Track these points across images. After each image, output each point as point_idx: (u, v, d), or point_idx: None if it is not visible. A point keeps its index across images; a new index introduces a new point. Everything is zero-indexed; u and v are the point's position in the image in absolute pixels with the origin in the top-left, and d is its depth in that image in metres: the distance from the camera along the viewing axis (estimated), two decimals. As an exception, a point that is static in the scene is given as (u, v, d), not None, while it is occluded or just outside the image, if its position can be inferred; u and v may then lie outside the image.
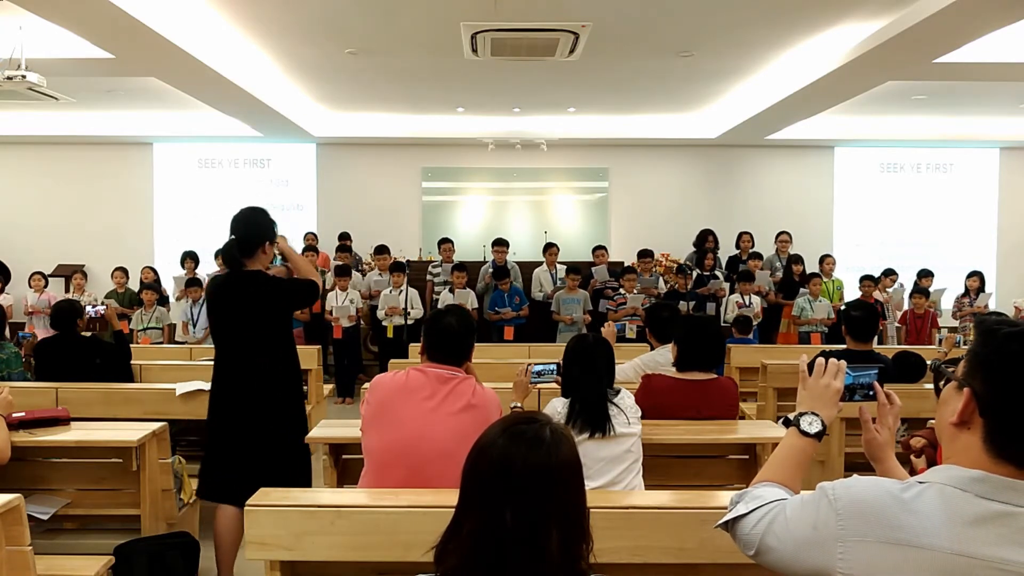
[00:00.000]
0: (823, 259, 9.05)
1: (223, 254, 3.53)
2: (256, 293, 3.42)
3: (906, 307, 8.90)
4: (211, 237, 10.33)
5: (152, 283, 8.44)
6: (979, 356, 1.24)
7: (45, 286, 8.97)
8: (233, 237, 3.47)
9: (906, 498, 1.21)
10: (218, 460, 3.42)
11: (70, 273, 9.78)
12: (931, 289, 8.59)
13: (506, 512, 1.31)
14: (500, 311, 8.14)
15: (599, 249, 9.08)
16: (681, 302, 7.98)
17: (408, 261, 8.88)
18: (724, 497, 2.57)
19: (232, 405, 3.40)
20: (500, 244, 8.84)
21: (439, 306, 7.26)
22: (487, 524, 1.32)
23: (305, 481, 3.47)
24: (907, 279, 9.27)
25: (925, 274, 8.91)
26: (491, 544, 1.31)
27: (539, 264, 9.01)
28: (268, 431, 3.39)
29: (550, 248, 8.92)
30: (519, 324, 8.15)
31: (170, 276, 9.12)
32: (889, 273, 8.97)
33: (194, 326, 7.98)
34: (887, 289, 8.80)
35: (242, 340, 3.41)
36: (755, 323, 8.06)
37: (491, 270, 8.67)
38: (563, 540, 1.31)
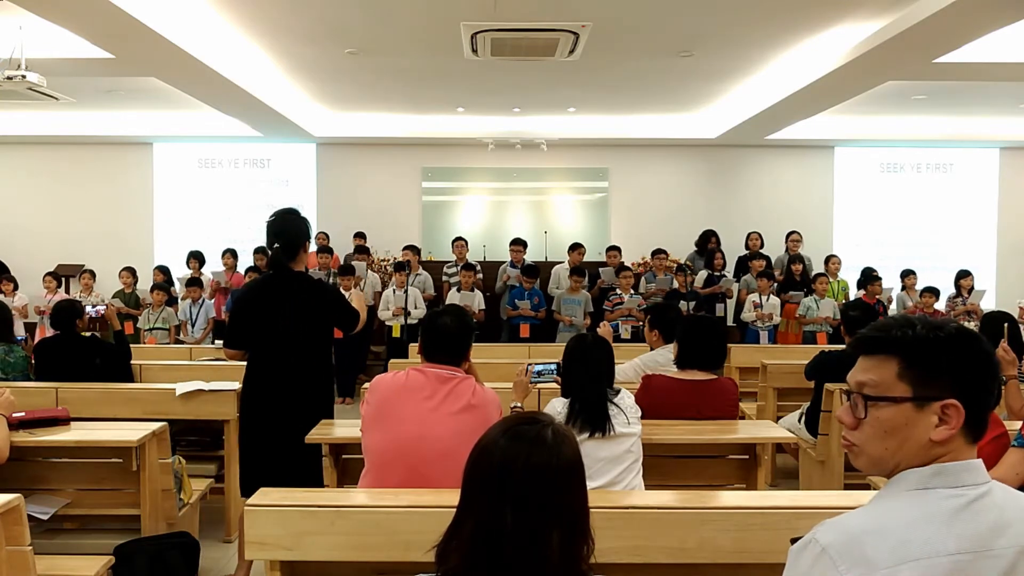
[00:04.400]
0: (828, 259, 9.07)
1: (270, 262, 3.59)
2: (306, 292, 3.51)
3: (894, 307, 8.91)
4: (211, 237, 10.37)
5: (162, 283, 8.45)
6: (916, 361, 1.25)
7: (58, 287, 8.97)
8: (277, 245, 3.52)
9: (886, 522, 1.18)
10: (261, 460, 3.48)
11: (70, 273, 9.77)
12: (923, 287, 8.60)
13: (507, 512, 1.31)
14: (520, 304, 8.14)
15: (612, 250, 9.13)
16: (682, 301, 7.98)
17: (409, 262, 8.88)
18: (724, 497, 2.57)
19: (272, 403, 3.46)
20: (517, 244, 8.93)
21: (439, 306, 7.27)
22: (488, 524, 1.32)
23: (319, 481, 3.50)
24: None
25: (908, 273, 8.96)
26: (492, 544, 1.31)
27: (539, 263, 9.02)
28: (304, 430, 3.41)
29: (577, 248, 8.86)
30: (535, 323, 8.17)
31: (176, 276, 9.13)
32: (871, 272, 8.92)
33: (192, 326, 7.97)
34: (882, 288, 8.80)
35: (290, 338, 3.46)
36: (768, 324, 8.07)
37: (509, 269, 8.71)
38: (564, 541, 1.31)
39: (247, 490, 3.46)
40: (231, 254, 9.10)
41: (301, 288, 3.51)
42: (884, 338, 1.27)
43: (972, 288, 8.75)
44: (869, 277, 8.51)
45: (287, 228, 3.54)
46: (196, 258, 9.06)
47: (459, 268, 8.64)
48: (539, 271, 8.48)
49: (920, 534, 1.15)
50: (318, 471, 3.51)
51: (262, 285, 3.62)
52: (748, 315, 8.16)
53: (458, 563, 1.33)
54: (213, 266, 9.17)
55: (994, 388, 1.25)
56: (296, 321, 3.46)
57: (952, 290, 8.92)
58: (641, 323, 6.83)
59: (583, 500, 1.38)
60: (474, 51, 6.33)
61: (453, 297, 8.08)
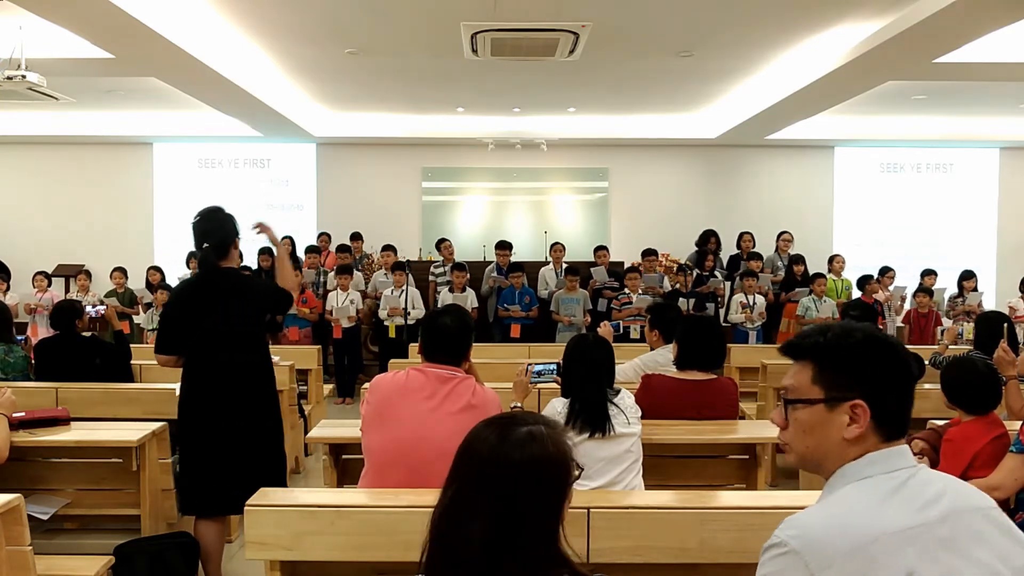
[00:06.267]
0: (832, 259, 9.11)
1: (200, 261, 3.48)
2: (244, 288, 3.44)
3: (908, 307, 8.91)
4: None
5: (161, 283, 8.45)
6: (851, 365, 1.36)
7: (48, 286, 8.96)
8: (206, 245, 3.43)
9: (838, 511, 1.27)
10: (201, 472, 3.35)
11: (70, 273, 9.77)
12: (934, 288, 8.61)
13: (449, 491, 1.33)
14: (509, 308, 8.14)
15: (600, 250, 9.10)
16: (681, 300, 7.98)
17: (408, 261, 8.89)
18: (724, 497, 2.57)
19: (215, 408, 3.33)
20: (503, 247, 8.85)
21: (439, 306, 7.27)
22: (440, 505, 1.35)
23: (280, 482, 3.44)
24: (907, 279, 9.28)
25: (928, 273, 8.93)
26: (438, 525, 1.33)
27: (539, 263, 9.03)
28: (269, 430, 3.39)
29: (555, 247, 8.93)
30: (526, 324, 8.15)
31: (175, 276, 9.12)
32: (886, 271, 8.97)
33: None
34: (888, 287, 8.81)
35: (225, 338, 3.36)
36: (759, 323, 8.07)
37: (495, 272, 8.70)
38: (491, 534, 1.28)
39: (196, 508, 3.37)
40: None
41: (232, 285, 3.42)
42: (800, 345, 1.41)
43: (974, 289, 8.76)
44: (882, 275, 8.50)
45: (215, 227, 3.44)
46: (196, 258, 9.03)
47: (447, 268, 8.64)
48: (523, 266, 8.47)
49: (868, 516, 1.25)
50: (282, 468, 3.47)
51: (193, 287, 3.52)
52: (736, 316, 8.15)
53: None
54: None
55: (904, 389, 1.35)
56: (230, 318, 3.36)
57: (955, 290, 8.92)
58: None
59: (541, 501, 1.31)
60: (474, 51, 6.33)
61: (446, 297, 8.08)
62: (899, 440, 1.34)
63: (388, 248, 8.85)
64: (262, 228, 3.71)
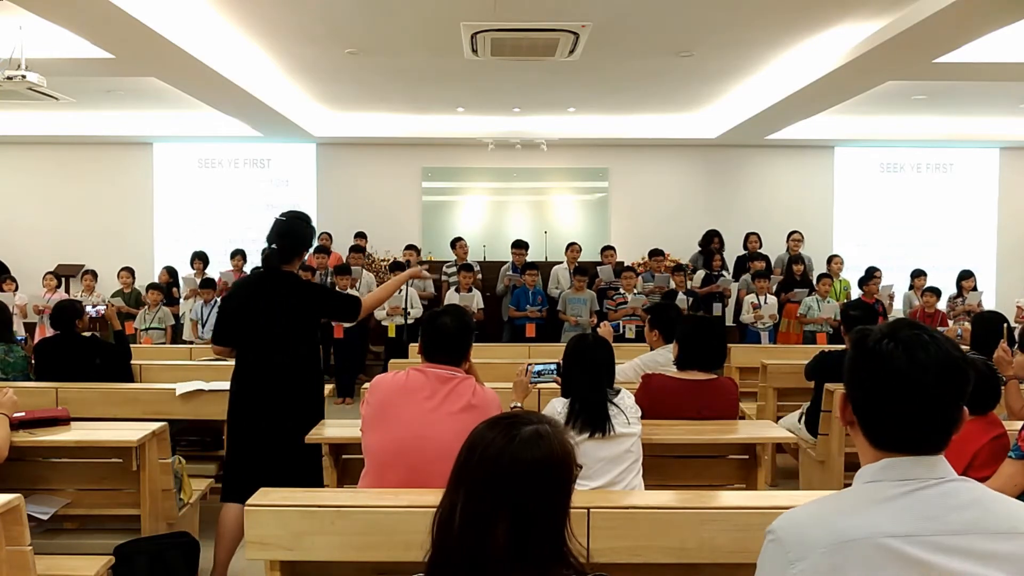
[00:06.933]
0: (831, 259, 9.10)
1: (264, 260, 3.64)
2: (290, 291, 3.51)
3: (899, 305, 8.90)
4: (211, 237, 10.37)
5: (158, 284, 8.45)
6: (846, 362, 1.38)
7: (57, 286, 8.97)
8: (274, 245, 3.54)
9: (827, 509, 1.29)
10: (241, 461, 3.47)
11: (70, 273, 9.76)
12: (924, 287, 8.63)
13: (459, 495, 1.32)
14: (528, 308, 8.16)
15: (608, 249, 9.14)
16: (680, 298, 7.98)
17: (408, 261, 8.89)
18: (724, 497, 2.57)
19: (256, 404, 3.45)
20: (519, 247, 8.86)
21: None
22: (446, 508, 1.34)
23: (317, 482, 3.49)
24: (906, 279, 9.27)
25: (918, 274, 8.94)
26: (444, 527, 1.32)
27: (540, 263, 9.03)
28: (289, 431, 3.41)
29: (571, 247, 8.94)
30: (539, 323, 8.20)
31: (179, 277, 9.13)
32: (873, 272, 8.96)
33: (203, 326, 7.97)
34: (876, 288, 8.82)
35: (271, 338, 3.45)
36: (768, 324, 8.07)
37: (511, 271, 8.71)
38: (513, 533, 1.28)
39: (231, 493, 3.43)
40: (240, 255, 9.07)
41: (289, 287, 3.51)
42: None
43: (974, 288, 8.77)
44: (868, 276, 8.51)
45: (291, 232, 3.55)
46: (201, 259, 9.04)
47: (458, 268, 8.64)
48: (537, 265, 8.52)
49: (854, 518, 1.24)
50: (315, 471, 3.50)
51: (251, 284, 3.65)
52: (747, 316, 8.17)
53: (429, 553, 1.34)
54: (217, 266, 9.15)
55: (878, 397, 1.30)
56: (282, 320, 3.45)
57: (954, 290, 8.93)
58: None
59: (550, 501, 1.33)
60: (474, 51, 6.33)
61: (452, 298, 8.07)
62: (916, 452, 1.28)
63: (411, 248, 9.00)
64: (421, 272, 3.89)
